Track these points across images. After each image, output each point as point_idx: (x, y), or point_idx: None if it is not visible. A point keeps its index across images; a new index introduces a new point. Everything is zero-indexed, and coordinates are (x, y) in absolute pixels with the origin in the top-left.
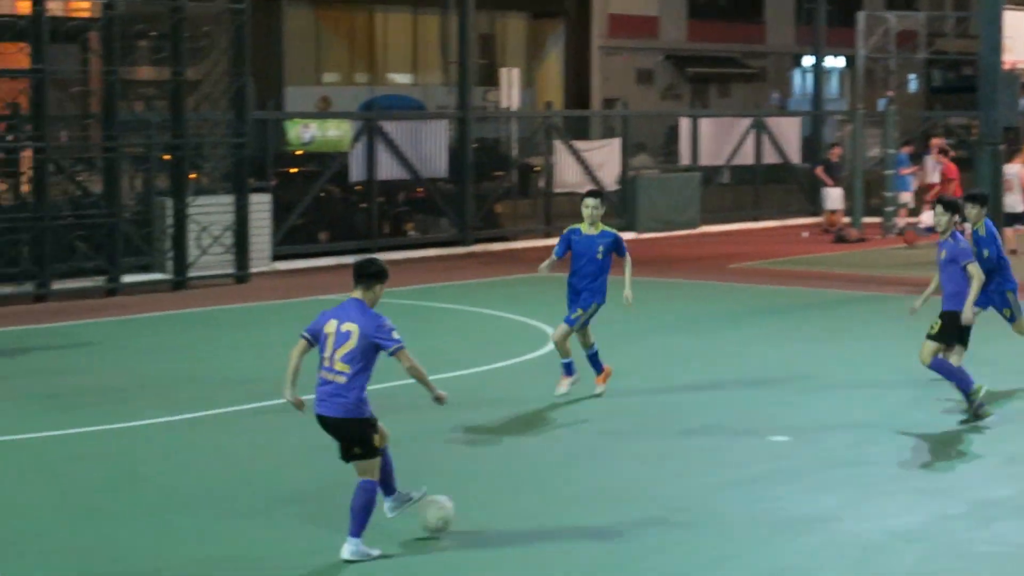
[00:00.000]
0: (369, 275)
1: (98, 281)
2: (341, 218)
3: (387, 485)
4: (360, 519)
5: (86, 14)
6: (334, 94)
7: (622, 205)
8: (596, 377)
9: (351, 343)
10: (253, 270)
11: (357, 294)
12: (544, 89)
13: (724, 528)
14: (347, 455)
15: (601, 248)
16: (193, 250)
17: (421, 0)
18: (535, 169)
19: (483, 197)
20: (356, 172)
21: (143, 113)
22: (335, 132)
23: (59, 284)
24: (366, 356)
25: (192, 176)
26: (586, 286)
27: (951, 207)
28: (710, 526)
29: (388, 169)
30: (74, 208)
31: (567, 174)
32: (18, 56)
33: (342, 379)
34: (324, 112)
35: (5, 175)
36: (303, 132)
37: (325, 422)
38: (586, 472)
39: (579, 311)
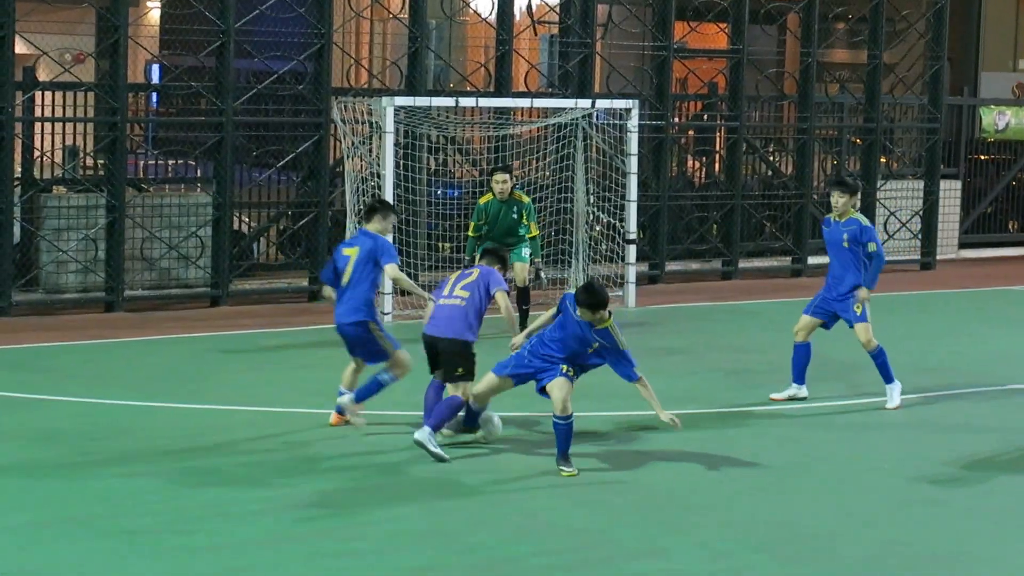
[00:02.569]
0: None
1: (784, 261)
2: None
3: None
4: (441, 417)
5: None
6: None
7: None
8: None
9: (472, 277)
10: (939, 257)
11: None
12: None
13: None
14: (450, 376)
15: None
16: (880, 234)
17: None
18: None
19: None
20: None
21: (837, 95)
22: None
23: (745, 263)
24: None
25: (883, 160)
26: None
27: None
28: None
29: None
30: (764, 188)
31: None
32: (718, 36)
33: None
34: (1020, 99)
35: (699, 153)
36: (998, 119)
37: (435, 342)
38: None
39: None
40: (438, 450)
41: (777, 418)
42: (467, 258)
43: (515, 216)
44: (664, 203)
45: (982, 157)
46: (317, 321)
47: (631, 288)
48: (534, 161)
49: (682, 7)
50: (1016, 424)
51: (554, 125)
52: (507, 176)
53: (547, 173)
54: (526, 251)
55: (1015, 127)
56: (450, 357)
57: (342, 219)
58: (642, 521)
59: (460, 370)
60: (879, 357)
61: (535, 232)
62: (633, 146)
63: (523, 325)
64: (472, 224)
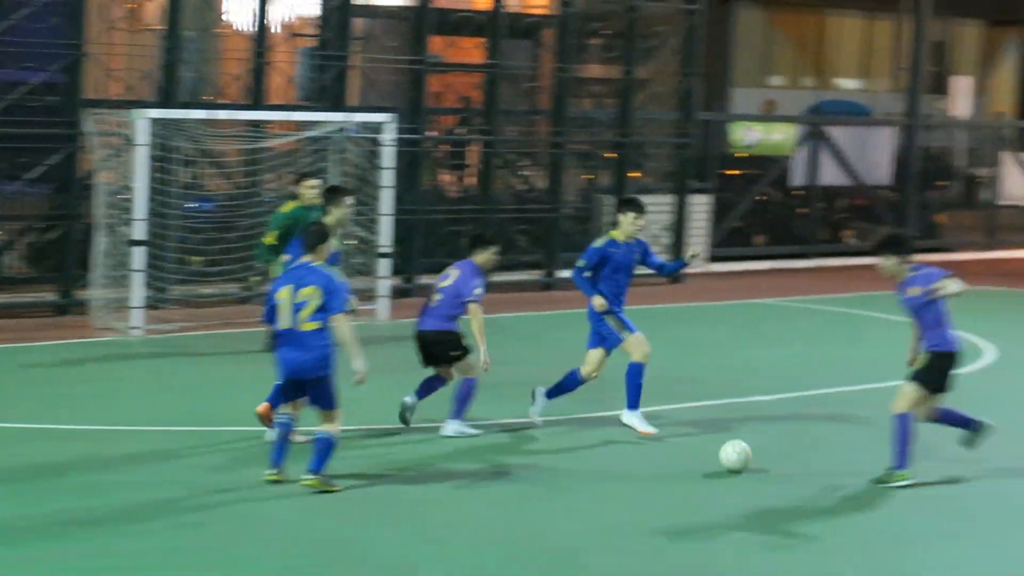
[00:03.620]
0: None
1: (535, 275)
2: (780, 222)
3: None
4: (462, 404)
5: (542, 11)
6: (780, 97)
7: None
8: None
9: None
10: (689, 270)
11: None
12: (995, 98)
13: None
14: (449, 360)
15: None
16: None
17: (875, 5)
18: (981, 180)
19: (926, 207)
20: (797, 176)
21: (591, 110)
22: (779, 136)
23: (497, 276)
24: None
25: (634, 174)
26: None
27: None
28: None
29: (830, 175)
30: (517, 202)
31: (1014, 187)
32: (473, 51)
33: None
34: (769, 115)
35: (453, 167)
36: (747, 134)
37: (425, 336)
38: None
39: None
40: (472, 431)
41: (525, 433)
42: (261, 264)
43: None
44: (418, 216)
45: (731, 172)
46: (65, 336)
47: (384, 302)
48: (290, 174)
49: (438, 21)
50: (764, 434)
51: (310, 138)
52: (319, 182)
53: None
54: None
55: (763, 142)
56: (440, 347)
57: (92, 232)
58: (398, 534)
59: (454, 352)
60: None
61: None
62: (388, 160)
63: None
64: (272, 233)
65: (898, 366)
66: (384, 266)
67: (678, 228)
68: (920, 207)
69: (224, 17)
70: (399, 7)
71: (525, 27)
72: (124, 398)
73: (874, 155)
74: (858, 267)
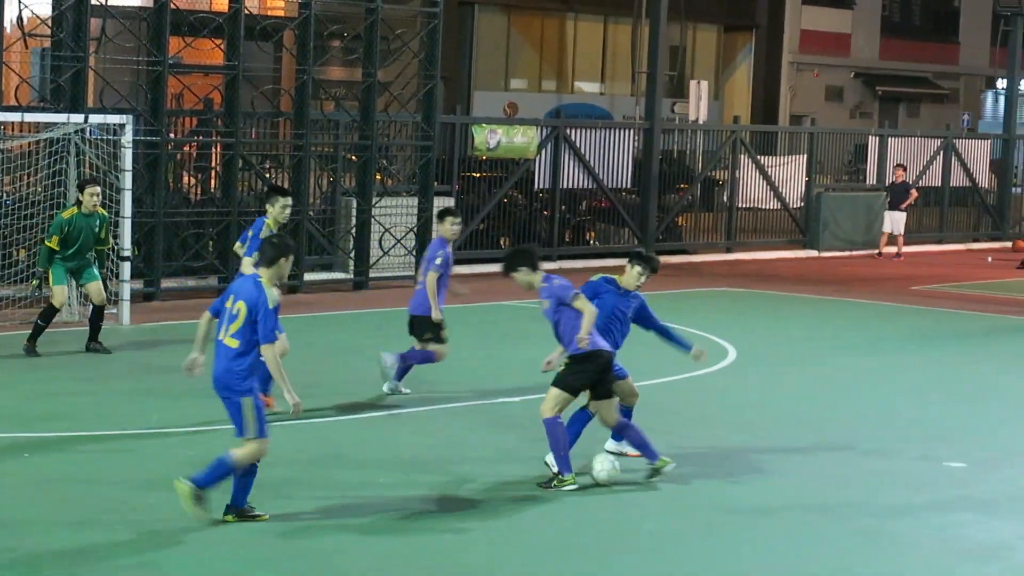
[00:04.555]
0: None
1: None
2: (523, 224)
3: None
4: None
5: (282, 13)
6: (521, 100)
7: (805, 223)
8: None
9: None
10: None
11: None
12: (732, 102)
13: (905, 551)
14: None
15: None
16: (375, 251)
17: (613, 9)
18: (719, 183)
19: (666, 209)
20: (540, 179)
21: (333, 113)
22: (522, 138)
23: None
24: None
25: (378, 177)
26: None
27: None
28: (891, 548)
29: (573, 177)
30: (260, 204)
31: (751, 189)
32: (213, 52)
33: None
34: (511, 118)
35: (195, 169)
36: (490, 137)
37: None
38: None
39: None
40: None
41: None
42: (40, 269)
43: (96, 230)
44: (160, 219)
45: (475, 175)
46: None
47: (125, 305)
48: (26, 176)
49: (177, 22)
50: (478, 438)
51: (46, 140)
52: (98, 189)
53: (39, 188)
54: (97, 269)
55: (506, 145)
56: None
57: None
58: (139, 537)
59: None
60: None
61: (111, 243)
62: (127, 162)
63: (94, 341)
64: (54, 237)
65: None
66: (125, 269)
67: (422, 230)
68: (661, 209)
69: None
70: (136, 7)
71: (265, 28)
72: None
73: (615, 158)
74: (600, 269)
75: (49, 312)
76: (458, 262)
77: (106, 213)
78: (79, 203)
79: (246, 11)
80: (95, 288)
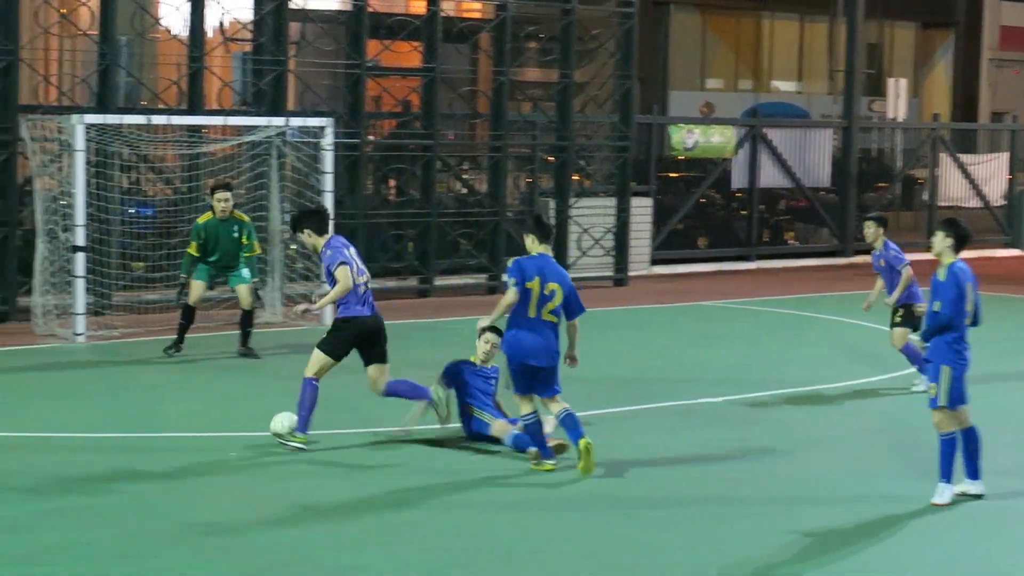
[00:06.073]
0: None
1: (479, 279)
2: (721, 224)
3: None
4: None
5: (478, 15)
6: (718, 100)
7: (1007, 221)
8: None
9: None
10: (632, 273)
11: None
12: (931, 100)
13: None
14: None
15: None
16: (573, 251)
17: (809, 8)
18: (919, 181)
19: (865, 208)
20: (737, 179)
21: (529, 114)
22: (718, 138)
23: (441, 280)
24: None
25: (575, 177)
26: None
27: None
28: None
29: (770, 177)
30: (459, 206)
31: (952, 187)
32: (411, 55)
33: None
34: (707, 117)
35: (397, 172)
36: (687, 137)
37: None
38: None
39: None
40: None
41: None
42: (183, 276)
43: (235, 235)
44: (360, 221)
45: (672, 175)
46: (7, 342)
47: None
48: (229, 179)
49: (375, 25)
50: (701, 434)
51: (248, 143)
52: (228, 194)
53: (242, 191)
54: (246, 272)
55: (703, 145)
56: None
57: (32, 239)
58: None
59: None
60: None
61: (258, 250)
62: (328, 164)
63: (246, 345)
64: (193, 243)
65: (842, 365)
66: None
67: (620, 231)
68: (859, 209)
69: (159, 22)
70: (335, 11)
71: (461, 31)
72: (67, 405)
73: (813, 157)
74: (799, 268)
75: (187, 311)
76: (654, 262)
77: (247, 219)
78: (212, 208)
79: (443, 14)
80: (242, 291)
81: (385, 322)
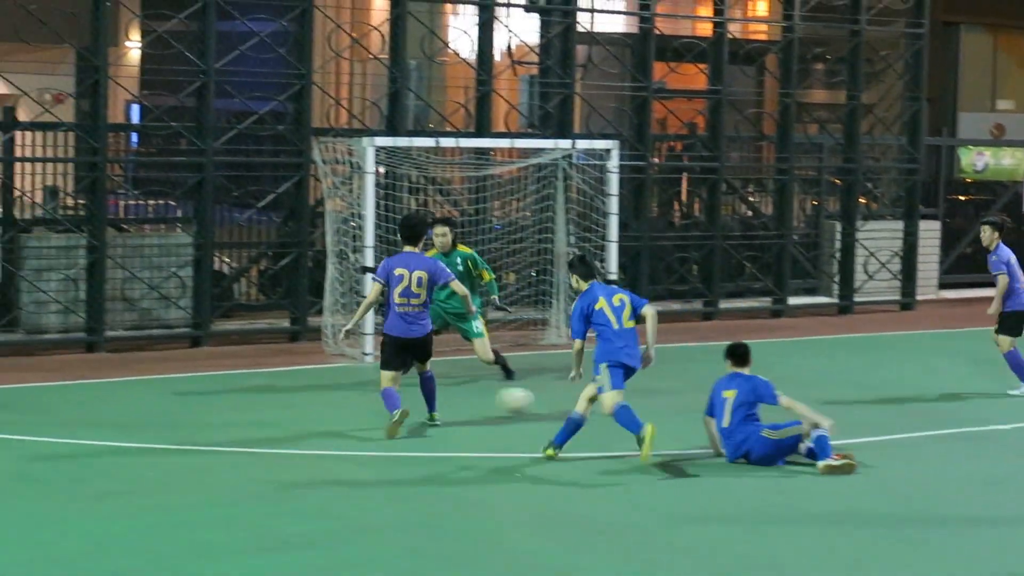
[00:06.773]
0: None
1: (764, 302)
2: (1011, 248)
3: None
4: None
5: (764, 37)
6: (1009, 121)
7: None
8: None
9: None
10: (919, 297)
11: None
12: None
13: None
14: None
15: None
16: (860, 275)
17: None
18: None
19: None
20: None
21: (816, 136)
22: (1009, 160)
23: (726, 303)
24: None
25: (862, 200)
26: None
27: None
28: None
29: None
30: (744, 229)
31: None
32: (697, 77)
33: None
34: (998, 139)
35: (678, 194)
36: (976, 159)
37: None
38: None
39: None
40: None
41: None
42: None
43: (460, 268)
44: (644, 243)
45: (961, 197)
46: (298, 362)
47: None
48: (515, 201)
49: (661, 48)
50: (993, 463)
51: (534, 165)
52: (447, 229)
53: (528, 213)
54: (479, 325)
55: (993, 167)
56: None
57: (323, 259)
58: None
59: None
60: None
61: (489, 277)
62: (613, 187)
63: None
64: None
65: None
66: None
67: (908, 254)
68: None
69: (448, 46)
70: (621, 34)
71: (748, 53)
72: (357, 423)
73: None
74: None
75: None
76: (942, 286)
77: (471, 251)
78: (431, 244)
79: (729, 35)
80: (478, 346)
81: (667, 345)
